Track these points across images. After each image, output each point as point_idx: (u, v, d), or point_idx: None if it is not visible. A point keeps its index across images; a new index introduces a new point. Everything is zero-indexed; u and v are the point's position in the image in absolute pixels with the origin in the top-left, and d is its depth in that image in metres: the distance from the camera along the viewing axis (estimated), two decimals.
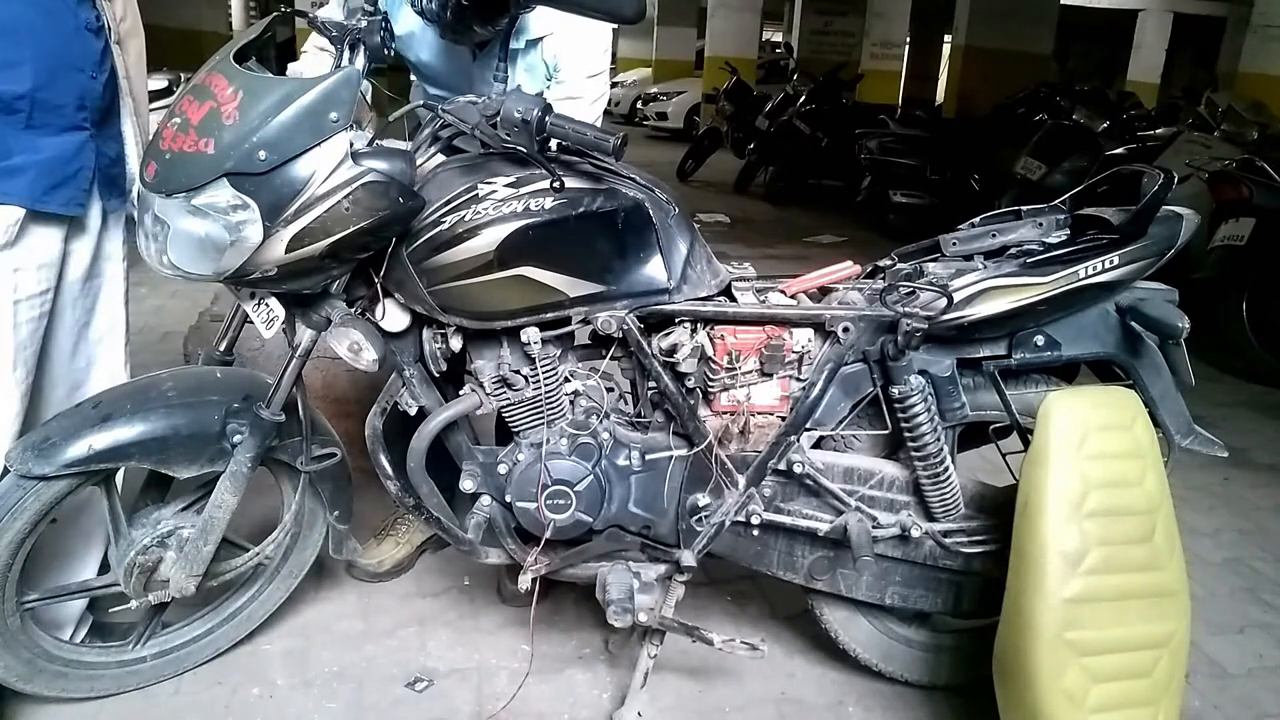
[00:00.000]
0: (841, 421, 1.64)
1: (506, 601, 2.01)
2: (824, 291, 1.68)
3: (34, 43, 1.43)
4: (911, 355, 1.55)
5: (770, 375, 1.58)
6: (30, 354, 1.53)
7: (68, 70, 1.48)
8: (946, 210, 5.62)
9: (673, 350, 1.54)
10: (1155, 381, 1.62)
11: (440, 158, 1.53)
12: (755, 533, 1.66)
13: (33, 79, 1.43)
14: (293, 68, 1.85)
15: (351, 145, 1.33)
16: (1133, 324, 1.58)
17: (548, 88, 1.87)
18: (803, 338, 1.57)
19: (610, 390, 1.62)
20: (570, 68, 1.86)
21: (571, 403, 1.60)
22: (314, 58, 1.84)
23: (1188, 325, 1.51)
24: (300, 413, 1.60)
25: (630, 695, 1.71)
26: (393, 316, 1.51)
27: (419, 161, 1.48)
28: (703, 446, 1.59)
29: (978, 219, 1.69)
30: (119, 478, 1.62)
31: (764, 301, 1.60)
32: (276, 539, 1.71)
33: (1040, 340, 1.59)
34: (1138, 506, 1.50)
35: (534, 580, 1.65)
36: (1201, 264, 4.04)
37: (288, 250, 1.33)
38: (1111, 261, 1.54)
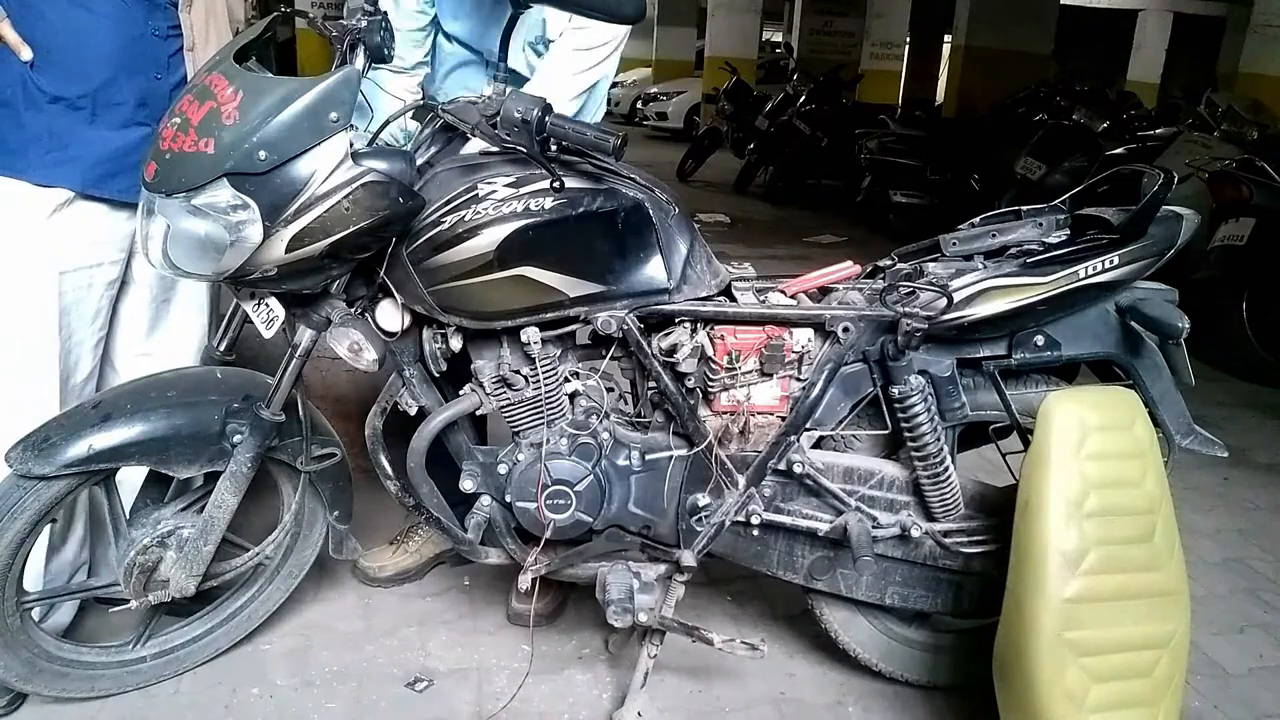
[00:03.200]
0: (841, 421, 1.64)
1: (513, 621, 1.98)
2: (824, 291, 1.68)
3: (98, 48, 1.55)
4: (911, 355, 1.55)
5: (770, 375, 1.58)
6: (78, 319, 1.65)
7: (131, 73, 1.59)
8: (946, 210, 5.62)
9: (673, 350, 1.54)
10: (1155, 381, 1.62)
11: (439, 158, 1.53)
12: (755, 533, 1.66)
13: (96, 80, 1.55)
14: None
15: (351, 145, 1.34)
16: (1133, 324, 1.58)
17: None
18: (803, 338, 1.57)
19: (610, 390, 1.62)
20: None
21: (571, 403, 1.60)
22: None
23: (1188, 325, 1.51)
24: (300, 413, 1.60)
25: (630, 695, 1.71)
26: (393, 316, 1.51)
27: (419, 161, 1.48)
28: (703, 446, 1.59)
29: (978, 219, 1.69)
30: (119, 478, 1.62)
31: (764, 301, 1.60)
32: (276, 539, 1.71)
33: (1040, 340, 1.59)
34: (1137, 506, 1.50)
35: (534, 580, 1.65)
36: (1201, 264, 4.04)
37: (288, 250, 1.33)
38: (1111, 261, 1.54)
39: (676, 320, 1.56)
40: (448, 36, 1.97)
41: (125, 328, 1.78)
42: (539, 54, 1.91)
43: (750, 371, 1.57)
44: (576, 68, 1.83)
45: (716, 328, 1.56)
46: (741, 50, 12.34)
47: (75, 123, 1.55)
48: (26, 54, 1.50)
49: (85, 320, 1.66)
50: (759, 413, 1.60)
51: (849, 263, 1.67)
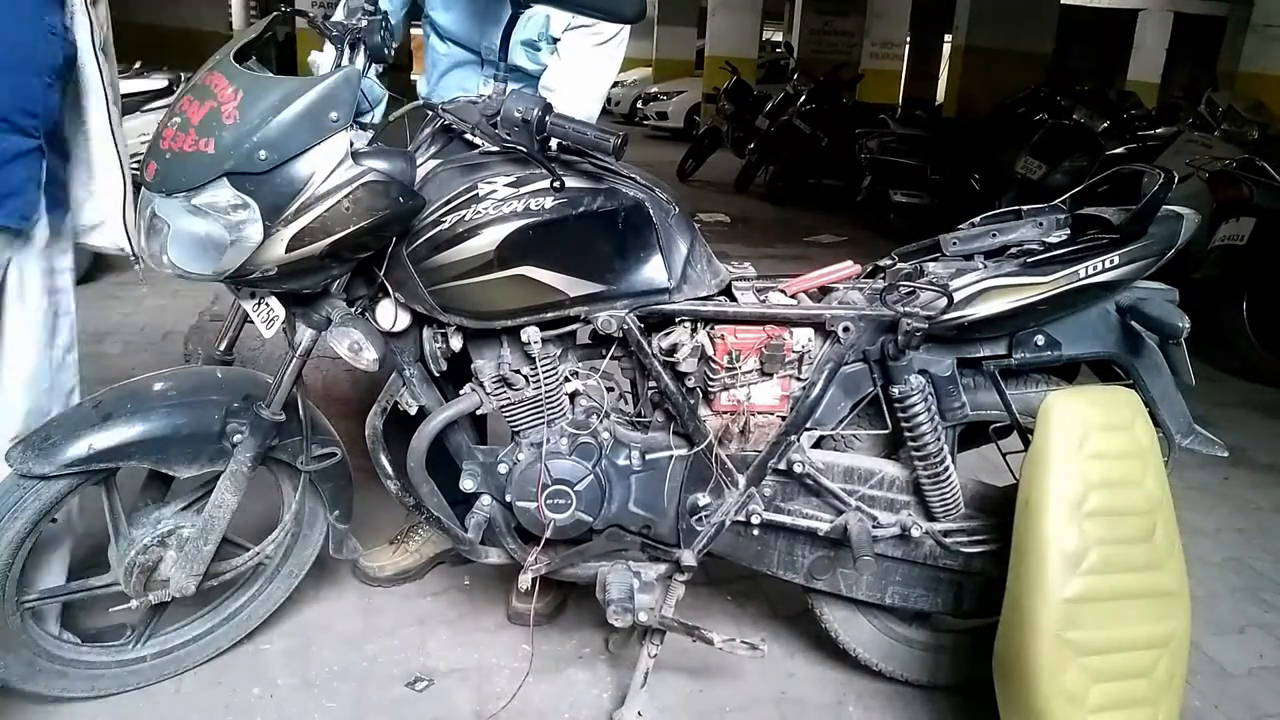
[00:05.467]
0: (841, 421, 1.64)
1: (513, 621, 1.99)
2: (824, 291, 1.68)
3: None
4: (912, 355, 1.55)
5: (770, 375, 1.58)
6: None
7: (21, 73, 1.42)
8: (946, 210, 5.61)
9: (673, 350, 1.54)
10: (1155, 381, 1.62)
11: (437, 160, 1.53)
12: (755, 532, 1.66)
13: None
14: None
15: (351, 145, 1.34)
16: (1133, 323, 1.58)
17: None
18: (803, 337, 1.57)
19: (610, 390, 1.62)
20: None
21: (571, 402, 1.60)
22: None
23: (1188, 325, 1.51)
24: (300, 412, 1.60)
25: (630, 695, 1.71)
26: (393, 316, 1.51)
27: (419, 161, 1.48)
28: (703, 446, 1.59)
29: (978, 219, 1.69)
30: (119, 477, 1.62)
31: (764, 301, 1.60)
32: (276, 539, 1.71)
33: (1040, 340, 1.59)
34: (1138, 506, 1.50)
35: (534, 580, 1.65)
36: (1201, 264, 4.04)
37: (288, 250, 1.33)
38: (1112, 261, 1.54)
39: (677, 320, 1.56)
40: (441, 37, 1.97)
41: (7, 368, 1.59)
42: (538, 49, 1.91)
43: (750, 371, 1.57)
44: (592, 67, 1.84)
45: (717, 327, 1.55)
46: (742, 50, 12.34)
47: None
48: None
49: None
50: (759, 412, 1.60)
51: (849, 262, 1.67)
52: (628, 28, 1.82)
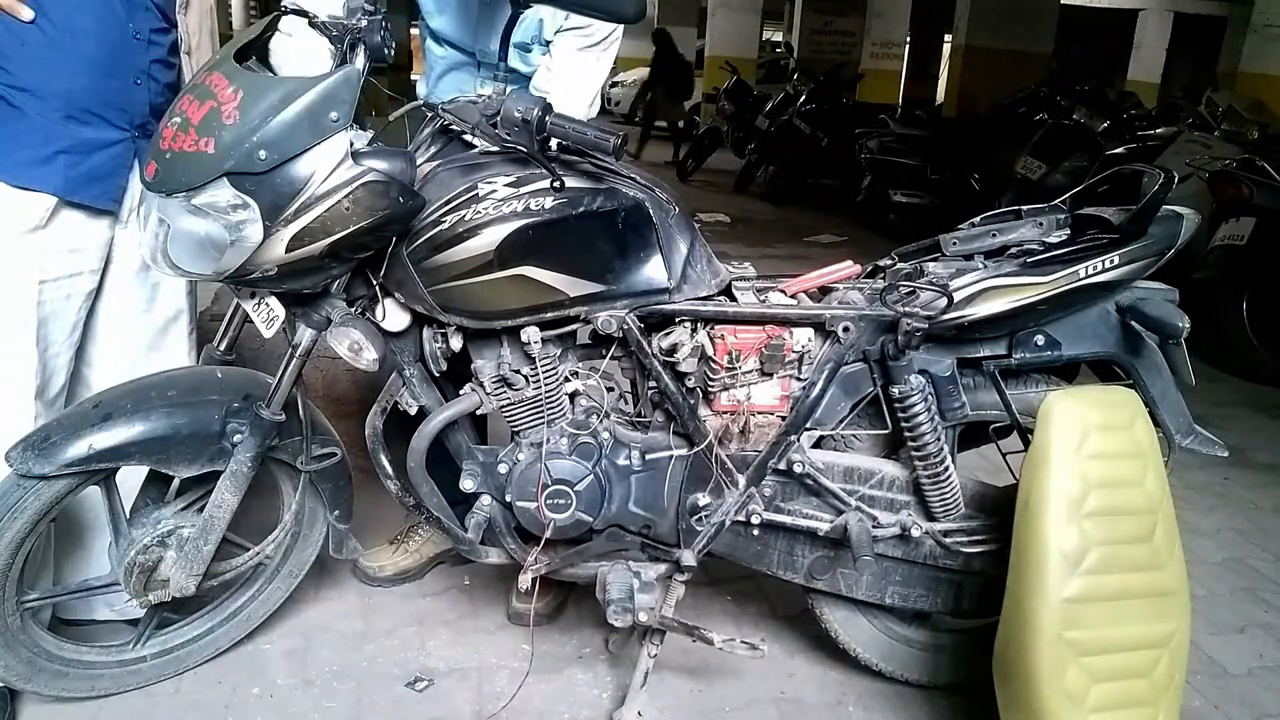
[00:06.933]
0: (841, 421, 1.64)
1: (513, 621, 1.99)
2: (824, 291, 1.68)
3: (78, 45, 1.51)
4: (912, 355, 1.55)
5: (770, 375, 1.58)
6: (57, 330, 1.61)
7: (107, 75, 1.55)
8: (946, 210, 5.62)
9: (673, 350, 1.54)
10: (1155, 381, 1.62)
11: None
12: (755, 532, 1.66)
13: (70, 78, 1.51)
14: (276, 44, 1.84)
15: (351, 145, 1.34)
16: (1133, 323, 1.58)
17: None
18: (803, 337, 1.57)
19: (610, 390, 1.62)
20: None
21: (571, 402, 1.60)
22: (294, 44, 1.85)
23: (1188, 325, 1.51)
24: (300, 412, 1.60)
25: (630, 695, 1.71)
26: (393, 316, 1.51)
27: (419, 161, 1.48)
28: (703, 446, 1.59)
29: (978, 219, 1.69)
30: (119, 477, 1.62)
31: (764, 301, 1.60)
32: (276, 539, 1.71)
33: (1040, 340, 1.59)
34: (1138, 506, 1.50)
35: (534, 580, 1.65)
36: (1201, 264, 4.04)
37: (288, 250, 1.33)
38: (1112, 261, 1.54)
39: (677, 320, 1.56)
40: (437, 39, 1.97)
41: (105, 342, 1.72)
42: (529, 51, 1.91)
43: (750, 371, 1.57)
44: (583, 69, 1.84)
45: (717, 327, 1.55)
46: (742, 50, 12.33)
47: (52, 123, 1.50)
48: (27, 14, 1.45)
49: (63, 332, 1.61)
50: (759, 412, 1.60)
51: (849, 262, 1.67)
52: (619, 30, 1.82)
